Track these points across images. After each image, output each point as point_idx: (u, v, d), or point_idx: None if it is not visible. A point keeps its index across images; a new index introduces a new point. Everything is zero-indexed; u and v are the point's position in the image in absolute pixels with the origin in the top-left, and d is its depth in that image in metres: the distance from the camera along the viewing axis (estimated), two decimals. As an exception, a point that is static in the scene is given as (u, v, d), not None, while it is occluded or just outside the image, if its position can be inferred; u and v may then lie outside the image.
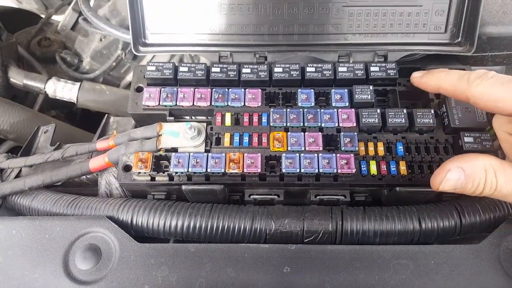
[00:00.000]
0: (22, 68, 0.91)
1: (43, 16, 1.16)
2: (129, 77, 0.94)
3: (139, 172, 0.49)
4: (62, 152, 0.56)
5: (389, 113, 0.51)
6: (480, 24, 0.54)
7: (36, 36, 1.02)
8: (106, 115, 0.70)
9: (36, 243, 0.47)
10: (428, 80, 0.47)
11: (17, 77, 0.83)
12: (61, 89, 0.81)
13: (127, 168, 0.50)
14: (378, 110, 0.51)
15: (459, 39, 0.56)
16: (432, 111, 0.51)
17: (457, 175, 0.40)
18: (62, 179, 0.54)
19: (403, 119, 0.51)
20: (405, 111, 0.51)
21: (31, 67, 0.96)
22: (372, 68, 0.54)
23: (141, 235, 0.49)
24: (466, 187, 0.40)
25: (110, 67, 0.91)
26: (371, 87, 0.53)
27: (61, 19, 1.07)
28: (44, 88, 0.81)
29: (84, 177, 0.57)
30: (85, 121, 0.96)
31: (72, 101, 0.82)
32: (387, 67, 0.54)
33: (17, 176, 0.58)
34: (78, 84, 0.82)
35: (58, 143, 0.63)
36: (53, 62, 0.98)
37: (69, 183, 0.57)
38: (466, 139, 0.49)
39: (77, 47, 0.97)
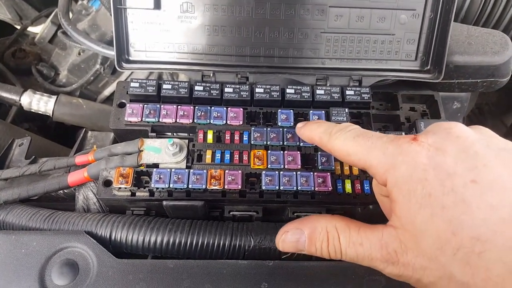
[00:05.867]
0: (-5, 79, 0.90)
1: (17, 26, 1.14)
2: (106, 92, 0.93)
3: (120, 187, 0.49)
4: (40, 166, 0.56)
5: (364, 135, 0.53)
6: (447, 53, 0.57)
7: (11, 47, 1.01)
8: (84, 129, 0.69)
9: (11, 258, 0.46)
10: (304, 131, 0.46)
11: (-9, 89, 0.81)
12: (37, 102, 0.80)
13: (108, 183, 0.50)
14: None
15: (428, 66, 0.60)
16: (403, 133, 0.54)
17: (295, 236, 0.39)
18: (39, 193, 0.53)
19: (377, 141, 0.53)
20: (378, 133, 0.54)
21: (4, 78, 0.94)
22: (347, 92, 0.57)
23: (119, 250, 0.49)
24: (311, 249, 0.38)
25: (88, 81, 0.90)
26: (346, 110, 0.55)
27: (37, 30, 1.06)
28: (19, 100, 0.80)
29: (61, 191, 0.56)
30: (59, 135, 0.95)
31: (48, 114, 0.81)
32: (362, 91, 0.57)
33: (-9, 189, 0.56)
34: (54, 97, 0.81)
35: (33, 156, 0.63)
36: (27, 74, 0.96)
37: (45, 197, 0.56)
38: (435, 161, 0.52)
39: (54, 60, 0.96)
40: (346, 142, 0.39)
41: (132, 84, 0.55)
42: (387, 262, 0.34)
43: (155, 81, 0.55)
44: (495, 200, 0.30)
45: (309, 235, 0.38)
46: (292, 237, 0.39)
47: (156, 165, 0.52)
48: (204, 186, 0.49)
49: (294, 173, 0.50)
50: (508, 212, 0.29)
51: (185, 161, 0.52)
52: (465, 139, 0.33)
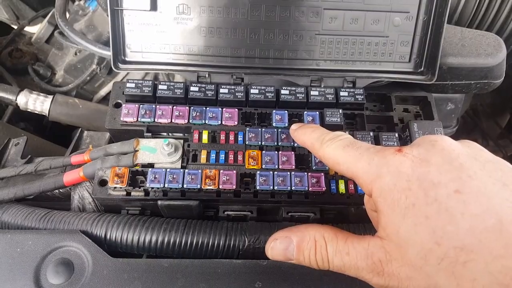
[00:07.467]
0: (-8, 78, 0.90)
1: (13, 26, 1.15)
2: (103, 92, 0.94)
3: (115, 187, 0.49)
4: (35, 165, 0.56)
5: (357, 136, 0.54)
6: (441, 55, 0.58)
7: (7, 47, 1.01)
8: (80, 129, 0.70)
9: (6, 257, 0.46)
10: (298, 134, 0.47)
11: (-13, 88, 0.81)
12: (33, 102, 0.80)
13: (103, 183, 0.50)
14: (347, 133, 0.54)
15: (422, 68, 0.60)
16: (396, 134, 0.55)
17: (283, 245, 0.39)
18: (35, 193, 0.53)
19: (370, 142, 0.54)
20: (371, 134, 0.54)
21: (1, 78, 0.94)
22: (341, 93, 0.57)
23: (114, 250, 0.49)
24: (299, 258, 0.39)
25: (84, 81, 0.91)
26: (340, 111, 0.56)
27: (34, 30, 1.06)
28: (16, 100, 0.80)
29: (56, 191, 0.57)
30: (55, 135, 0.95)
31: (44, 114, 0.81)
32: (356, 92, 0.57)
33: (-13, 189, 0.56)
34: (50, 97, 0.81)
35: (29, 156, 0.63)
36: (23, 73, 0.97)
37: (40, 197, 0.56)
38: (427, 162, 0.52)
39: (50, 60, 0.96)
40: (336, 151, 0.39)
41: (128, 85, 0.55)
42: (372, 272, 0.34)
43: (151, 82, 0.55)
44: (480, 210, 0.29)
45: (298, 244, 0.39)
46: (281, 245, 0.40)
47: (151, 165, 0.52)
48: (199, 186, 0.49)
49: (288, 173, 0.51)
50: (493, 222, 0.29)
51: (180, 161, 0.53)
52: (450, 151, 0.33)
